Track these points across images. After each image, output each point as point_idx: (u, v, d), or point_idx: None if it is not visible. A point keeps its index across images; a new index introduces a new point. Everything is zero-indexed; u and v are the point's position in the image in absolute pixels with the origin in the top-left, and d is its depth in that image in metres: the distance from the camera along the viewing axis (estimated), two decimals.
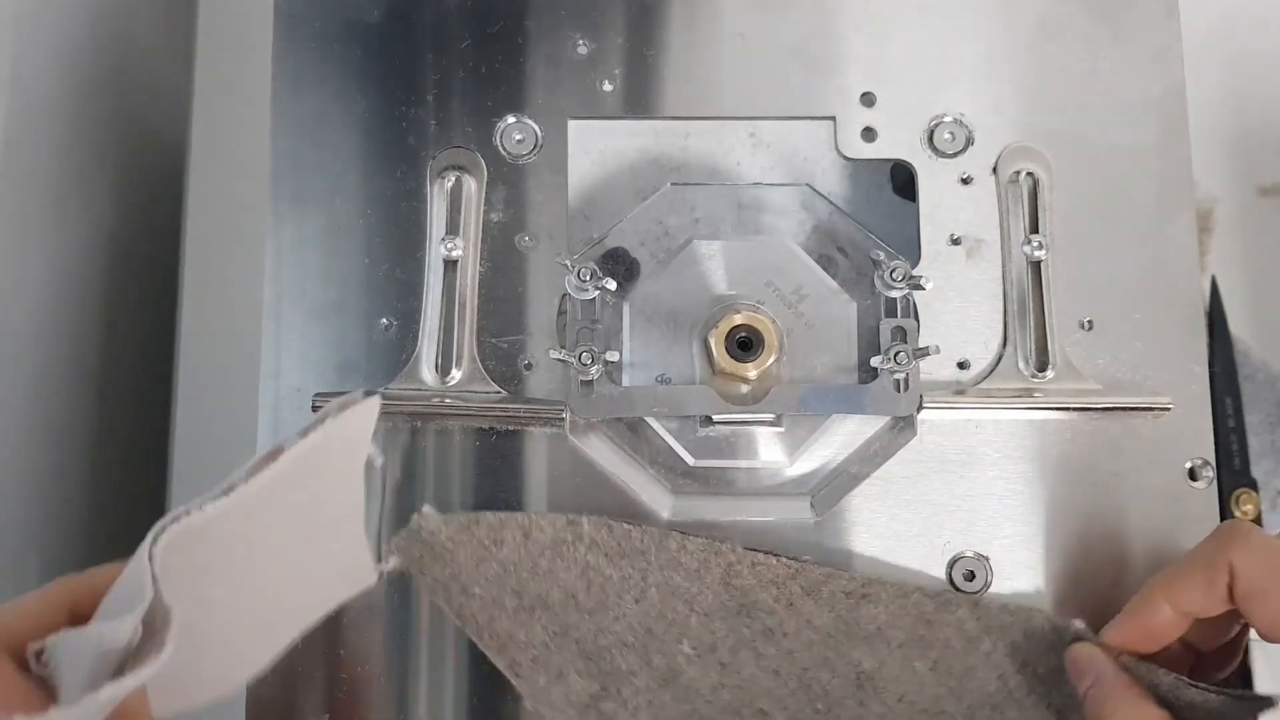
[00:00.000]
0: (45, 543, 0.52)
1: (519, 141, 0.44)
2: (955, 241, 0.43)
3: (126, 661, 0.29)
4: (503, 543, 0.38)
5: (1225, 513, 0.52)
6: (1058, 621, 0.39)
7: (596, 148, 0.45)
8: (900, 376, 0.40)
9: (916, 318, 0.42)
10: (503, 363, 0.42)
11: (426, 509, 0.39)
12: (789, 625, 0.38)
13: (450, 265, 0.43)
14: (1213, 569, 0.35)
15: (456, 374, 0.42)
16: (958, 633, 0.39)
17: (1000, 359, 0.42)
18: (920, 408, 0.41)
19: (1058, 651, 0.38)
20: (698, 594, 0.39)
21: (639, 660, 0.38)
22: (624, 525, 0.39)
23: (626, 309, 0.42)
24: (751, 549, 0.39)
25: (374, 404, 0.33)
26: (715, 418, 0.42)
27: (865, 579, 0.39)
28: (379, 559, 0.37)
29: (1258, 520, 0.51)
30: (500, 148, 0.44)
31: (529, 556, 0.38)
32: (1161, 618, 0.36)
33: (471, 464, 0.41)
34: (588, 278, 0.40)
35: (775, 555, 0.39)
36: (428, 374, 0.42)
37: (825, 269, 0.43)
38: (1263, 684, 0.40)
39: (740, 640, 0.39)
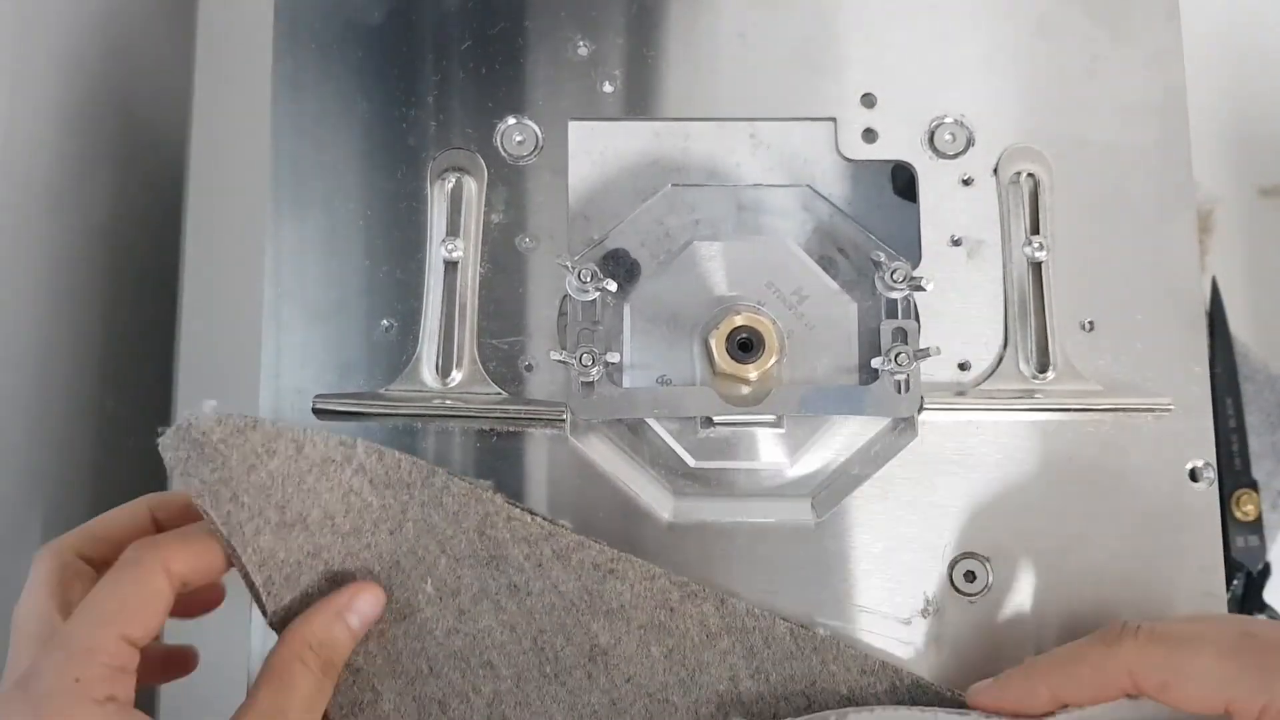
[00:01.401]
0: (46, 543, 0.52)
1: (519, 143, 0.44)
2: (956, 242, 0.43)
3: None
4: (275, 453, 0.37)
5: (1226, 513, 0.52)
6: (800, 632, 0.39)
7: (597, 149, 0.45)
8: (901, 378, 0.40)
9: (917, 319, 0.42)
10: (503, 364, 0.42)
11: (208, 405, 0.37)
12: (535, 585, 0.39)
13: (451, 266, 0.43)
14: (1109, 675, 0.35)
15: (457, 375, 0.42)
16: (699, 626, 0.39)
17: (1001, 360, 0.42)
18: (921, 409, 0.41)
19: (793, 662, 0.39)
20: (452, 537, 0.39)
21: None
22: (395, 455, 0.38)
23: (627, 310, 0.42)
24: (512, 503, 0.39)
25: None
26: (716, 419, 0.42)
27: (616, 554, 0.39)
28: None
29: (1258, 521, 0.52)
30: (500, 149, 0.44)
31: (297, 471, 0.37)
32: (1037, 701, 0.36)
33: (472, 465, 0.41)
34: (588, 279, 0.40)
35: (533, 513, 0.39)
36: (428, 375, 0.42)
37: (826, 270, 0.43)
38: None
39: (484, 590, 0.39)
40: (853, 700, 0.39)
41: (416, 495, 0.38)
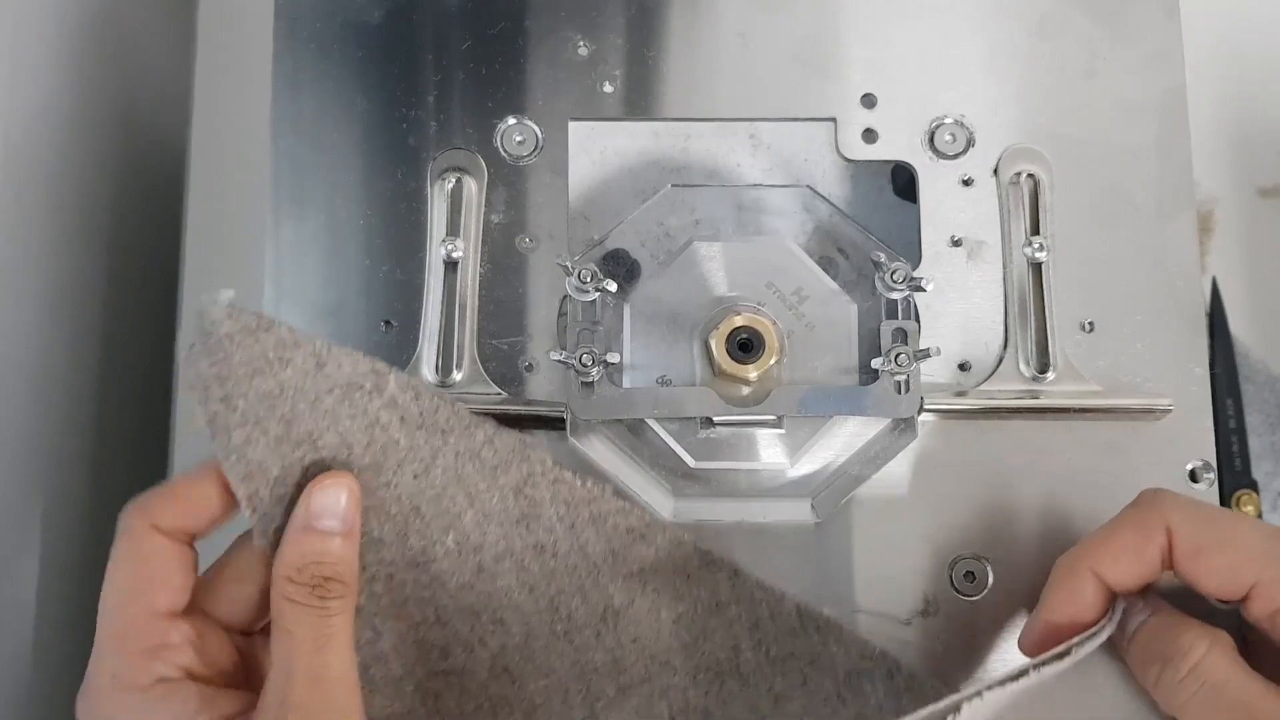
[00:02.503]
0: (45, 543, 0.52)
1: (519, 143, 0.44)
2: (956, 243, 0.43)
3: None
4: (288, 363, 0.34)
5: None
6: (806, 610, 0.39)
7: (597, 149, 0.45)
8: (901, 378, 0.40)
9: (917, 319, 0.42)
10: (503, 364, 0.42)
11: (225, 294, 0.33)
12: (562, 547, 0.37)
13: (451, 266, 0.43)
14: (1146, 533, 0.34)
15: (457, 375, 0.42)
16: (710, 593, 0.38)
17: (1001, 360, 0.42)
18: (921, 409, 0.41)
19: (795, 639, 0.39)
20: (485, 491, 0.36)
21: (394, 533, 0.36)
22: (434, 397, 0.36)
23: (627, 310, 0.42)
24: (560, 464, 0.37)
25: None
26: (716, 419, 0.42)
27: (651, 520, 0.38)
28: None
29: None
30: (501, 149, 0.44)
31: (313, 388, 0.34)
32: (1087, 597, 0.35)
33: None
34: (588, 279, 0.40)
35: (581, 478, 0.37)
36: (428, 375, 0.42)
37: (826, 270, 0.43)
38: None
39: (509, 549, 0.37)
40: (849, 682, 0.38)
41: (451, 443, 0.36)
